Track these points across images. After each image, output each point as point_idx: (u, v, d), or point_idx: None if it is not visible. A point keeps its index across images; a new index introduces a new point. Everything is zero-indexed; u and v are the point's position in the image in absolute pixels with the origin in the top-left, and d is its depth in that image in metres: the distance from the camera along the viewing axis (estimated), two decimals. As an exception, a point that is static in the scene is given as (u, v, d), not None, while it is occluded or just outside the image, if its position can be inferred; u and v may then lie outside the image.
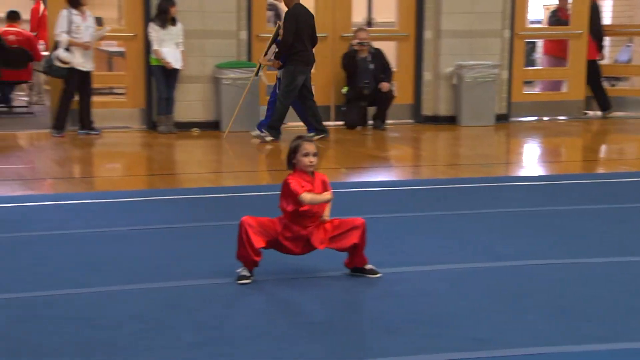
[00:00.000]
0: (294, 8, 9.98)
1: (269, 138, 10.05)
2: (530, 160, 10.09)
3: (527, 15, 12.92)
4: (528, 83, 13.78)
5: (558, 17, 13.42)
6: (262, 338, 3.78)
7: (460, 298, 4.36)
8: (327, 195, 4.48)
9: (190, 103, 11.11)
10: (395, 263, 4.94)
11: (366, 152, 10.20)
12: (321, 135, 10.26)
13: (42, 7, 13.20)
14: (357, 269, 4.64)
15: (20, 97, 13.23)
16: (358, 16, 13.42)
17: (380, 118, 11.53)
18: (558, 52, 13.18)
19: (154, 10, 10.70)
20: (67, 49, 10.07)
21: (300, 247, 4.56)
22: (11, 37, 12.05)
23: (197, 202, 6.81)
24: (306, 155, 4.46)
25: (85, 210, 6.40)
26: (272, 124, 10.12)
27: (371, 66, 11.40)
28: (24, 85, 12.70)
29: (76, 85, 10.21)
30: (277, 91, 10.24)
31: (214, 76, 11.07)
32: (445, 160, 9.84)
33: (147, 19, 10.81)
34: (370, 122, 11.66)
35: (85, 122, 10.42)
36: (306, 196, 4.41)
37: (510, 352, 3.63)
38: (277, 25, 10.30)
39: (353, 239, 4.54)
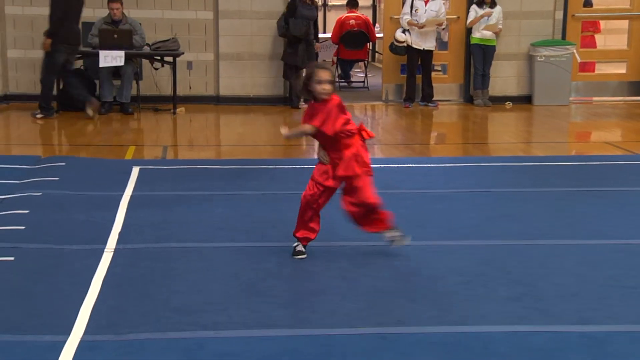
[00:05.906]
0: None
1: (39, 115, 9.24)
2: None
3: None
4: None
5: None
6: (573, 298, 3.70)
7: None
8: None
9: (504, 79, 10.97)
10: None
11: None
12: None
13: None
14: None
15: (357, 74, 13.86)
16: None
17: None
18: None
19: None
20: (405, 30, 10.43)
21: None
22: (351, 22, 12.66)
23: (509, 169, 6.73)
24: (319, 82, 4.11)
25: (411, 173, 6.61)
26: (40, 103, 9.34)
27: None
28: (360, 63, 13.28)
29: (415, 63, 10.50)
30: None
31: (529, 54, 10.81)
32: None
33: (470, 2, 10.79)
34: None
35: (425, 95, 10.70)
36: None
37: None
38: None
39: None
